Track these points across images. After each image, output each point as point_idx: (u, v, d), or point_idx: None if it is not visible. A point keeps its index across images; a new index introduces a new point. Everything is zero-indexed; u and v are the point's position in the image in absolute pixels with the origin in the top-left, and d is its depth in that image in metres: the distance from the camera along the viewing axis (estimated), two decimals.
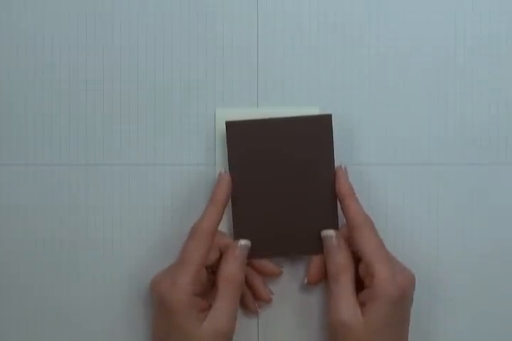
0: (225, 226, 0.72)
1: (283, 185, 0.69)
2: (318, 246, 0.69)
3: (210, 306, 0.64)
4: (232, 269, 0.65)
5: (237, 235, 0.69)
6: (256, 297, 0.71)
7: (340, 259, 0.65)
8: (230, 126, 0.69)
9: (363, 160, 0.74)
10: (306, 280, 0.70)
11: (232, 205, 0.70)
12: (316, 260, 0.69)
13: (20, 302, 0.74)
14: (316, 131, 0.69)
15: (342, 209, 0.68)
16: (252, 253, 0.69)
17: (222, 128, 0.72)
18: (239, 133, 0.69)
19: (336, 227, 0.69)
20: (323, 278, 0.70)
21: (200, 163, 0.74)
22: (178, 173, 0.74)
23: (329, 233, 0.68)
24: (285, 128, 0.69)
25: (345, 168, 0.69)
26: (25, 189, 0.74)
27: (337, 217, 0.70)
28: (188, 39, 0.74)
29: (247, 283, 0.70)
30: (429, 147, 0.74)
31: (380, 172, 0.74)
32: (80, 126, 0.74)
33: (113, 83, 0.74)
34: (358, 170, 0.73)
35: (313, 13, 0.74)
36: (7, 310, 0.74)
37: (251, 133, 0.69)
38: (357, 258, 0.67)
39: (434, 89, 0.74)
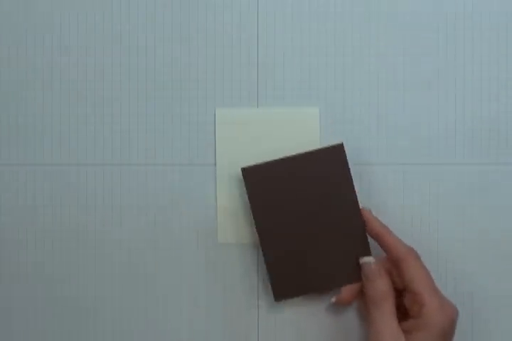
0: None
1: (308, 220, 0.69)
2: (353, 276, 0.70)
3: None
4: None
5: (272, 277, 0.70)
6: None
7: (381, 286, 0.65)
8: (247, 172, 0.69)
9: (363, 160, 0.74)
10: (333, 300, 0.70)
11: (262, 248, 0.70)
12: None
13: (19, 301, 0.74)
14: (332, 162, 0.69)
15: (381, 246, 0.68)
16: (288, 292, 0.70)
17: (222, 128, 0.73)
18: (256, 178, 0.69)
19: (369, 254, 0.70)
20: (352, 301, 0.71)
21: (200, 163, 0.74)
22: (178, 173, 0.74)
23: (368, 259, 0.68)
24: (300, 164, 0.69)
25: (370, 210, 0.70)
26: (25, 189, 0.74)
27: (368, 243, 0.70)
28: (188, 39, 0.74)
29: None
30: (429, 147, 0.74)
31: (380, 172, 0.74)
32: (80, 126, 0.74)
33: (113, 83, 0.74)
34: (358, 170, 0.73)
35: (313, 13, 0.74)
36: (8, 309, 0.74)
37: (268, 175, 0.69)
38: (397, 288, 0.67)
39: (435, 90, 0.74)
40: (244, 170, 0.69)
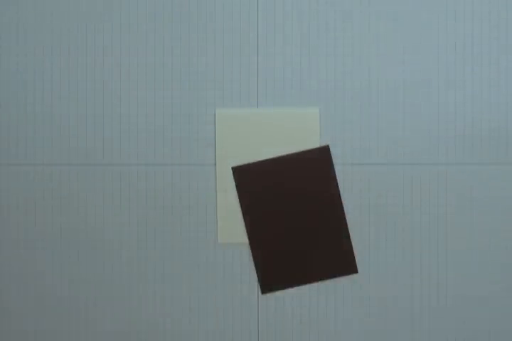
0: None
1: (294, 218, 0.72)
2: (336, 271, 0.71)
3: None
4: None
5: (259, 271, 0.72)
6: None
7: None
8: (238, 171, 0.72)
9: (363, 160, 0.74)
10: None
11: (250, 244, 0.72)
12: None
13: (19, 301, 0.74)
14: (317, 163, 0.72)
15: None
16: (274, 286, 0.72)
17: (222, 128, 0.73)
18: (246, 177, 0.72)
19: (351, 249, 0.71)
20: None
21: (200, 163, 0.74)
22: (178, 173, 0.74)
23: None
24: (288, 164, 0.72)
25: None
26: (25, 189, 0.74)
27: (350, 240, 0.72)
28: (188, 39, 0.74)
29: None
30: (429, 147, 0.74)
31: (380, 172, 0.74)
32: (81, 127, 0.74)
33: (113, 84, 0.74)
34: (358, 170, 0.73)
35: (313, 12, 0.74)
36: (6, 310, 0.74)
37: (257, 174, 0.72)
38: None
39: (435, 90, 0.74)
40: (234, 169, 0.71)
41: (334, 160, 0.71)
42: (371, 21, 0.74)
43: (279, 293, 0.73)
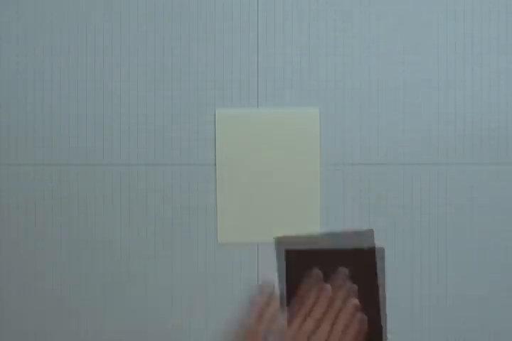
0: None
1: None
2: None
3: None
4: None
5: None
6: None
7: None
8: (290, 253, 0.71)
9: (363, 160, 0.74)
10: None
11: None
12: None
13: (19, 301, 0.74)
14: (363, 262, 0.71)
15: None
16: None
17: (222, 128, 0.73)
18: (297, 260, 0.71)
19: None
20: None
21: (200, 163, 0.74)
22: (178, 173, 0.74)
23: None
24: (335, 257, 0.71)
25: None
26: (25, 189, 0.74)
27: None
28: (188, 39, 0.74)
29: None
30: (428, 147, 0.74)
31: (380, 172, 0.74)
32: (81, 127, 0.74)
33: (113, 83, 0.74)
34: (358, 170, 0.73)
35: (313, 12, 0.74)
36: (6, 310, 0.74)
37: (307, 260, 0.71)
38: None
39: (435, 90, 0.74)
40: (287, 251, 0.71)
41: (334, 160, 0.71)
42: (371, 21, 0.74)
43: None
